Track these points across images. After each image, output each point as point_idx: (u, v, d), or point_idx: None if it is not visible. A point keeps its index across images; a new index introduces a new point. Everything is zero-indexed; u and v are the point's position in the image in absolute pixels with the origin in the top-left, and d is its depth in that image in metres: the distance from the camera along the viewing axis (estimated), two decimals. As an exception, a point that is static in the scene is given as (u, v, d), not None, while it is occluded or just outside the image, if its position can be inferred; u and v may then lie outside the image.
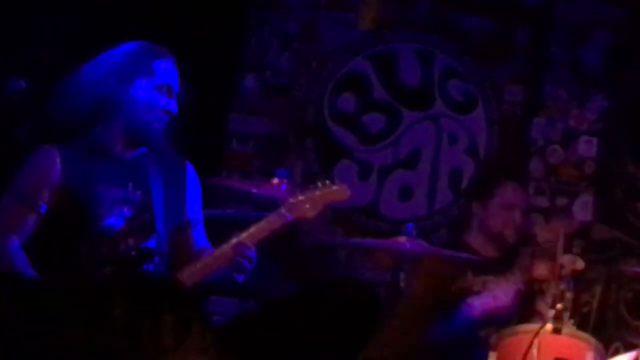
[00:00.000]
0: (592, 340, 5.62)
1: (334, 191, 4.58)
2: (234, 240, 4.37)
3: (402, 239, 5.38)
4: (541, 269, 6.61)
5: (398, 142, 6.91)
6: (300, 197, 4.53)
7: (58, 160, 4.18)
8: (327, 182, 4.67)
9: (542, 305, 5.96)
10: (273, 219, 4.45)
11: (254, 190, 5.33)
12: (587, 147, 6.93)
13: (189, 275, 4.26)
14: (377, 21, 6.94)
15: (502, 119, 6.99)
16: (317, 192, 4.55)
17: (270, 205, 5.29)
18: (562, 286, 5.83)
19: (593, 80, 7.01)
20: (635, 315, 6.77)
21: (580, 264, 6.08)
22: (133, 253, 4.28)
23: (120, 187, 4.29)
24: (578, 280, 6.18)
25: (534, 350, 5.33)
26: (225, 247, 4.34)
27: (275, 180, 5.11)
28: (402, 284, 5.43)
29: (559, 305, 5.52)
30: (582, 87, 7.03)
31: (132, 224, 4.29)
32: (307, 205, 4.52)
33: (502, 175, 6.54)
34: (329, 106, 6.88)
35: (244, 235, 4.36)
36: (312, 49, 6.89)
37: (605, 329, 6.70)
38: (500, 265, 6.11)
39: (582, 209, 6.91)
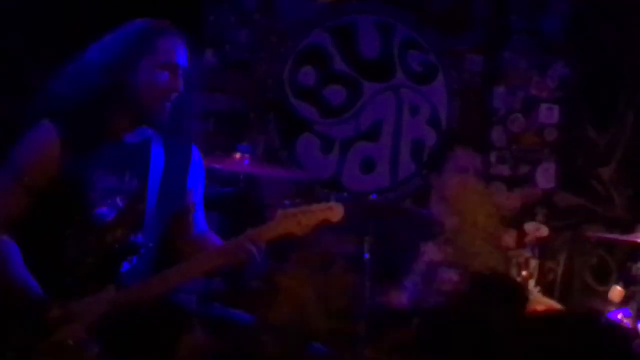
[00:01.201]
0: (558, 306, 5.86)
1: (326, 208, 4.21)
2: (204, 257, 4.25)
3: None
4: (507, 238, 6.75)
5: (359, 115, 6.92)
6: (292, 212, 4.22)
7: (57, 139, 4.02)
8: (331, 202, 4.33)
9: (512, 274, 6.06)
10: (263, 231, 4.19)
11: (217, 166, 5.34)
12: (548, 114, 7.00)
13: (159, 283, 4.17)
14: None
15: (462, 89, 7.02)
16: (310, 208, 4.20)
17: (233, 180, 5.85)
18: (528, 254, 6.12)
19: (553, 48, 7.07)
20: (600, 281, 6.85)
21: (544, 232, 6.29)
22: (117, 246, 4.15)
23: (116, 176, 4.14)
24: (543, 248, 6.37)
25: None
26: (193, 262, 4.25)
27: (238, 156, 5.42)
28: (367, 254, 5.32)
29: (524, 273, 5.75)
30: (542, 55, 7.08)
31: (123, 215, 4.17)
32: (301, 220, 4.19)
33: (456, 143, 6.89)
34: (290, 80, 6.89)
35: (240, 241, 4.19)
36: (270, 23, 6.89)
37: (571, 296, 6.82)
38: None
39: (545, 176, 6.98)
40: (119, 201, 4.12)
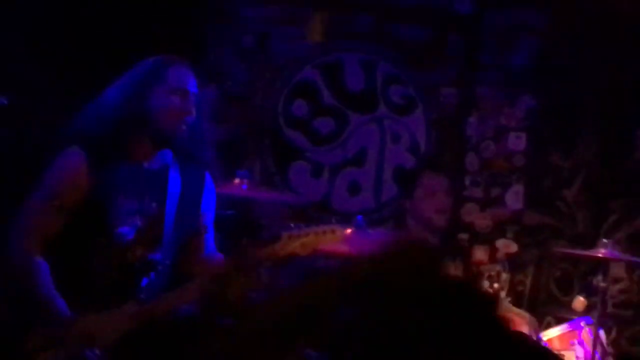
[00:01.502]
0: (527, 315, 6.00)
1: (330, 232, 4.42)
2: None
3: (349, 231, 5.41)
4: (479, 254, 6.92)
5: (346, 143, 7.05)
6: (297, 233, 4.37)
7: (85, 163, 4.27)
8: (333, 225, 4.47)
9: (481, 286, 6.02)
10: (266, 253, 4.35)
11: (218, 191, 5.29)
12: (516, 142, 7.16)
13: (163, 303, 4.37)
14: (324, 34, 7.01)
15: (439, 119, 7.16)
16: (315, 230, 4.40)
17: (233, 204, 5.93)
18: (498, 268, 6.39)
19: (520, 82, 7.23)
20: (564, 291, 7.09)
21: (513, 248, 6.71)
22: (137, 263, 4.35)
23: (136, 199, 4.40)
24: (512, 262, 6.73)
25: None
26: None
27: (237, 181, 5.50)
28: (355, 270, 5.68)
29: (495, 285, 5.97)
30: (510, 88, 7.22)
31: (143, 234, 4.39)
32: (307, 242, 4.35)
33: (427, 167, 6.76)
34: (283, 112, 6.99)
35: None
36: (266, 61, 6.96)
37: (538, 305, 7.03)
38: (445, 252, 6.26)
39: (514, 198, 7.17)
40: (138, 222, 4.37)
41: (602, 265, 6.06)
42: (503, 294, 6.34)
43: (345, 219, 6.14)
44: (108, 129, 4.34)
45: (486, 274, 6.43)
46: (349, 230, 4.49)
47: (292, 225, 4.44)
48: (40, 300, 4.18)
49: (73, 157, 4.29)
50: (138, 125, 4.36)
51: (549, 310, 6.95)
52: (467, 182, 7.19)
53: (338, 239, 4.40)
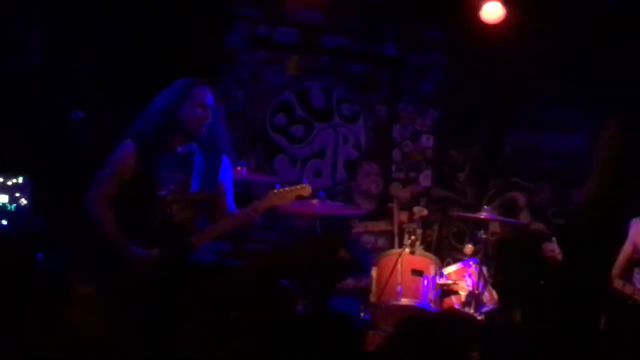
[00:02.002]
0: (434, 257, 6.04)
1: (301, 187, 4.64)
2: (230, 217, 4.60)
3: (315, 201, 5.50)
4: (402, 216, 6.98)
5: (312, 143, 7.06)
6: (279, 190, 4.60)
7: (134, 151, 4.42)
8: (302, 182, 4.70)
9: (405, 238, 6.03)
10: (260, 203, 4.55)
11: None
12: (426, 141, 7.27)
13: (199, 237, 4.49)
14: (297, 69, 6.95)
15: (374, 126, 7.18)
16: (290, 188, 4.62)
17: (238, 183, 5.47)
18: (415, 226, 6.17)
19: (429, 101, 7.27)
20: (458, 241, 7.16)
21: (425, 212, 6.47)
22: (172, 214, 4.42)
23: (171, 172, 4.48)
24: (424, 222, 6.47)
25: (399, 266, 5.69)
26: (223, 221, 4.57)
27: (238, 168, 5.52)
28: (318, 228, 5.58)
29: (412, 237, 5.87)
30: (422, 105, 7.25)
31: (176, 196, 4.46)
32: (284, 195, 4.58)
33: (364, 159, 6.99)
34: (269, 122, 6.94)
35: (237, 215, 4.59)
36: (257, 88, 6.85)
37: (441, 251, 7.06)
38: (375, 215, 6.49)
39: (425, 179, 7.29)
40: (173, 187, 4.44)
41: (483, 223, 6.09)
42: (418, 243, 6.14)
43: (313, 193, 5.95)
44: (152, 128, 4.46)
45: (406, 230, 6.21)
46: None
47: (277, 185, 4.65)
48: (109, 237, 4.35)
49: (126, 147, 4.43)
50: (173, 126, 4.48)
51: (448, 254, 7.03)
52: (393, 168, 7.21)
53: (307, 192, 4.62)
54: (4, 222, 5.16)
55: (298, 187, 4.65)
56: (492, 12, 6.44)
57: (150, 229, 4.44)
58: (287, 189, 4.62)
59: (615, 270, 5.41)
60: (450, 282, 5.92)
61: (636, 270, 5.42)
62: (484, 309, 5.86)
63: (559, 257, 5.41)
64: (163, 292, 4.22)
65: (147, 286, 4.21)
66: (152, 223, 4.45)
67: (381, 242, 6.37)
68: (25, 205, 5.35)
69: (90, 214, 4.42)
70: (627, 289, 5.26)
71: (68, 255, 5.01)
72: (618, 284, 5.31)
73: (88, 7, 6.24)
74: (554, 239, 5.51)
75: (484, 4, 6.44)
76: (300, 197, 4.66)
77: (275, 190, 4.59)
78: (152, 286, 4.21)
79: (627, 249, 5.46)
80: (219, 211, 4.66)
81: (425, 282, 5.75)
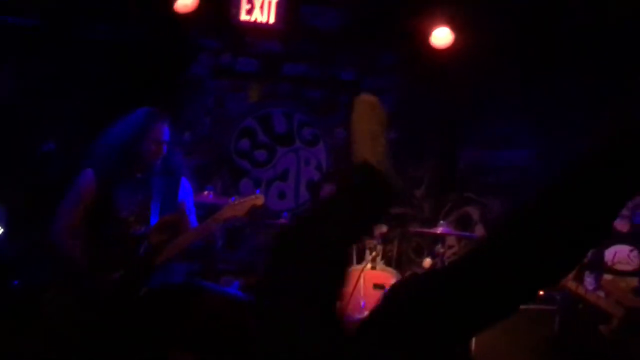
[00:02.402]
0: (394, 271, 6.13)
1: (254, 197, 4.63)
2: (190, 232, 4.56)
3: (282, 221, 5.65)
4: None
5: (275, 166, 7.06)
6: (234, 201, 4.63)
7: (94, 178, 4.39)
8: (256, 193, 4.70)
9: (366, 254, 6.14)
10: (217, 216, 4.53)
11: (194, 199, 5.30)
12: None
13: (162, 255, 4.43)
14: (259, 97, 6.99)
15: (334, 149, 7.18)
16: (244, 199, 4.64)
17: (205, 207, 5.49)
18: (375, 242, 6.29)
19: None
20: (417, 255, 7.24)
21: (384, 228, 6.61)
22: (135, 235, 4.42)
23: (132, 194, 4.50)
24: (384, 238, 6.65)
25: (361, 281, 5.79)
26: (184, 236, 4.50)
27: (206, 192, 5.60)
28: None
29: (373, 253, 5.99)
30: None
31: (137, 217, 4.49)
32: (238, 206, 4.58)
33: (325, 181, 6.99)
34: (234, 147, 6.95)
35: (196, 228, 4.59)
36: (222, 114, 6.86)
37: (402, 265, 7.09)
38: None
39: None
40: (135, 208, 4.46)
41: (440, 238, 6.22)
42: (378, 258, 6.29)
43: (276, 215, 6.16)
44: (110, 160, 4.43)
45: (368, 246, 6.33)
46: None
47: (232, 198, 4.68)
48: (75, 266, 4.32)
49: (86, 176, 4.41)
50: (131, 158, 4.45)
51: (408, 268, 7.03)
52: None
53: (260, 201, 4.61)
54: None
55: (252, 197, 4.68)
56: (442, 37, 6.52)
57: (114, 250, 4.41)
58: (241, 200, 4.64)
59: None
60: None
61: (587, 273, 5.45)
62: None
63: None
64: (128, 315, 4.20)
65: (113, 309, 4.20)
66: (114, 244, 4.43)
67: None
68: (1, 233, 5.33)
69: (55, 246, 4.40)
70: (580, 290, 5.23)
71: (42, 282, 4.87)
72: (572, 285, 5.27)
73: (58, 40, 6.22)
74: None
75: (434, 30, 6.49)
76: (255, 207, 4.67)
77: (231, 202, 4.62)
78: (119, 309, 4.19)
79: None
80: (182, 230, 4.64)
81: None
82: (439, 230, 6.11)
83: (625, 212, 5.39)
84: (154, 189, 4.61)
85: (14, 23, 6.08)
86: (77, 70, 6.26)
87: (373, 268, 5.90)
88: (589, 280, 5.45)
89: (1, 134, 5.97)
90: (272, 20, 6.26)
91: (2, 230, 5.34)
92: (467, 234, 7.22)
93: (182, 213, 4.68)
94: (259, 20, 6.26)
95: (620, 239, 5.44)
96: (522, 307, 6.45)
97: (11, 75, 6.18)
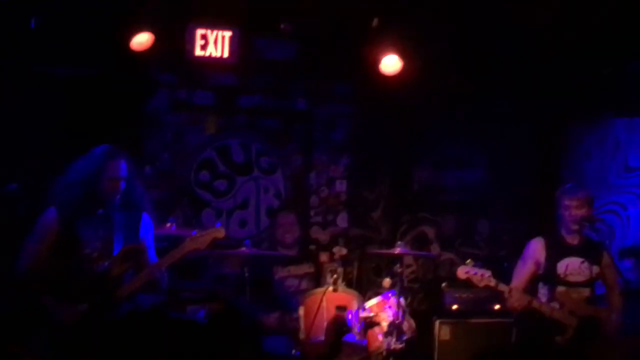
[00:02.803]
0: (355, 292, 6.09)
1: (215, 230, 4.64)
2: (153, 264, 4.58)
3: (243, 249, 5.53)
4: (323, 257, 6.97)
5: (235, 195, 7.01)
6: (195, 235, 4.62)
7: (56, 216, 4.42)
8: (216, 226, 4.72)
9: (327, 278, 6.03)
10: (179, 249, 4.57)
11: (157, 231, 5.23)
12: (340, 186, 7.31)
13: (125, 289, 4.47)
14: (216, 129, 6.93)
15: (292, 176, 7.17)
16: (205, 232, 4.64)
17: (168, 239, 5.42)
18: (336, 265, 6.40)
19: (340, 149, 7.31)
20: (377, 276, 7.17)
21: (344, 251, 6.74)
22: (98, 269, 4.43)
23: (95, 231, 4.50)
24: (344, 261, 6.73)
25: (324, 303, 5.73)
26: (146, 270, 4.53)
27: (168, 224, 5.53)
28: (246, 274, 5.48)
29: (335, 276, 5.91)
30: (334, 153, 7.28)
31: (101, 252, 4.48)
32: (200, 240, 4.58)
33: (281, 209, 6.94)
34: (194, 179, 6.88)
35: (159, 261, 4.58)
36: (181, 148, 6.79)
37: (362, 286, 7.00)
38: (302, 259, 6.34)
39: (342, 220, 7.33)
40: (98, 244, 4.47)
41: (398, 258, 6.10)
42: (340, 280, 6.14)
43: (238, 243, 5.94)
44: (71, 198, 4.47)
45: (328, 269, 6.33)
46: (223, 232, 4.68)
47: (194, 232, 4.65)
48: (41, 301, 4.34)
49: (49, 214, 4.44)
50: (91, 195, 4.48)
51: (369, 288, 6.97)
52: (312, 213, 7.20)
53: (221, 234, 4.63)
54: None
55: (213, 230, 4.68)
56: (391, 64, 6.52)
57: (78, 285, 4.40)
58: (203, 233, 4.65)
59: (521, 285, 5.46)
60: (372, 314, 5.91)
61: (540, 285, 5.52)
62: (404, 337, 5.87)
63: (475, 277, 5.35)
64: (97, 344, 4.22)
65: (81, 339, 4.22)
66: (79, 280, 4.41)
67: (304, 283, 6.23)
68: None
69: (21, 283, 4.44)
70: (535, 304, 5.32)
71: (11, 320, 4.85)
72: (526, 298, 5.35)
73: (17, 77, 6.14)
74: (469, 260, 5.53)
75: (383, 57, 6.51)
76: (216, 239, 4.67)
77: (192, 236, 4.62)
78: (87, 338, 4.22)
79: (530, 266, 5.52)
80: (142, 266, 4.62)
81: (350, 316, 5.76)
82: (397, 250, 6.09)
83: (575, 226, 5.49)
84: (116, 225, 4.58)
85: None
86: (37, 109, 6.21)
87: (335, 290, 5.84)
88: (542, 292, 5.51)
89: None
90: (226, 54, 6.19)
91: None
92: (424, 253, 7.35)
93: (142, 249, 4.67)
94: (213, 54, 6.19)
95: (571, 251, 5.54)
96: (480, 320, 6.71)
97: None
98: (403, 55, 6.50)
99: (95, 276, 4.45)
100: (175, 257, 4.58)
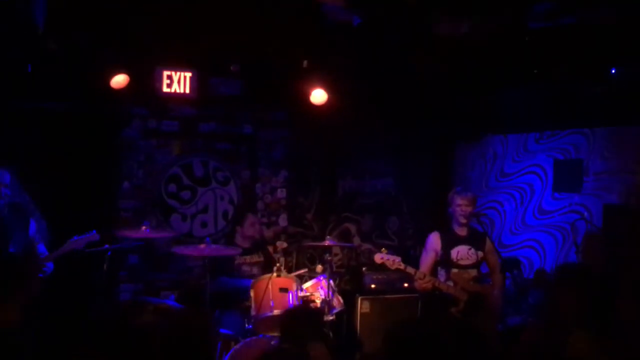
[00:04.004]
0: (295, 277, 5.90)
1: (90, 236, 4.72)
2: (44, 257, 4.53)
3: (203, 245, 5.45)
4: (270, 248, 6.82)
5: (197, 203, 6.94)
6: (75, 239, 4.65)
7: None
8: (92, 233, 4.74)
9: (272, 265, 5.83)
10: (62, 248, 4.59)
11: (133, 235, 5.56)
12: (281, 193, 7.30)
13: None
14: (181, 150, 6.72)
15: (242, 186, 7.11)
16: (81, 238, 4.64)
17: (141, 240, 5.90)
18: (278, 255, 6.47)
19: (279, 164, 7.28)
20: (311, 263, 7.23)
21: (285, 245, 6.91)
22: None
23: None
24: (285, 252, 6.86)
25: (270, 286, 5.57)
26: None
27: (143, 227, 5.49)
28: (206, 265, 5.36)
29: (277, 264, 5.85)
30: (275, 168, 7.25)
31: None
32: (78, 242, 4.60)
33: (246, 211, 6.66)
34: (164, 190, 6.79)
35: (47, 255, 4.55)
36: (152, 166, 6.70)
37: (296, 272, 6.65)
38: (253, 251, 6.23)
39: (282, 220, 7.32)
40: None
41: (328, 249, 6.15)
42: (282, 268, 5.97)
43: (200, 240, 5.94)
44: None
45: (272, 259, 6.36)
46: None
47: (74, 237, 4.68)
48: None
49: None
50: None
51: (305, 273, 6.69)
52: (259, 215, 7.09)
53: (95, 238, 4.69)
54: None
55: (89, 235, 4.74)
56: (319, 96, 6.56)
57: None
58: (80, 238, 4.69)
59: (427, 270, 5.51)
60: (308, 294, 5.95)
61: (439, 269, 5.60)
62: (334, 311, 5.93)
63: (388, 262, 5.40)
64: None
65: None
66: None
67: (255, 270, 6.19)
68: None
69: None
70: (436, 283, 5.41)
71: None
72: (429, 279, 5.44)
73: (15, 112, 5.97)
74: (383, 249, 5.57)
75: (312, 91, 6.55)
76: (91, 241, 4.75)
77: (73, 240, 4.68)
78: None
79: (431, 255, 5.57)
80: (35, 257, 4.60)
81: (290, 296, 5.73)
82: (327, 242, 6.16)
83: (464, 220, 5.57)
84: (9, 228, 4.57)
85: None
86: (31, 138, 6.03)
87: (278, 276, 5.75)
88: (441, 273, 5.61)
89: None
90: (187, 90, 6.20)
91: None
92: (348, 244, 7.35)
93: (34, 245, 4.68)
94: (177, 91, 6.18)
95: (461, 241, 5.62)
96: (393, 296, 6.77)
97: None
98: (328, 89, 6.52)
99: None
100: (59, 254, 4.57)
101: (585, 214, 6.46)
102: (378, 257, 5.46)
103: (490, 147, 7.49)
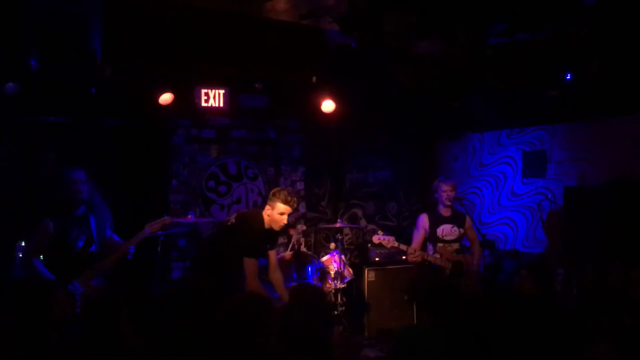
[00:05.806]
0: (312, 253, 6.20)
1: (163, 220, 4.63)
2: (125, 243, 4.44)
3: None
4: (292, 231, 6.54)
5: (232, 195, 6.84)
6: (150, 223, 4.61)
7: (51, 224, 4.26)
8: (164, 216, 4.63)
9: (293, 243, 6.05)
10: (139, 234, 4.53)
11: (182, 220, 5.55)
12: (300, 185, 7.18)
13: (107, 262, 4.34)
14: (218, 153, 6.74)
15: (268, 181, 6.99)
16: (155, 222, 4.63)
17: (189, 225, 5.83)
18: (299, 236, 6.31)
19: (298, 162, 7.15)
20: (327, 241, 7.03)
21: (304, 227, 6.71)
22: (84, 256, 4.35)
23: (77, 228, 4.37)
24: (305, 233, 6.67)
25: (293, 260, 5.84)
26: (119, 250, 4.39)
27: (189, 216, 5.48)
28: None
29: (297, 242, 5.94)
30: (294, 165, 7.13)
31: (85, 242, 4.40)
32: (153, 227, 4.60)
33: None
34: (205, 185, 6.70)
35: (129, 241, 4.48)
36: (195, 166, 6.61)
37: (317, 248, 7.00)
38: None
39: (302, 208, 7.11)
40: (83, 238, 4.37)
41: (339, 230, 6.42)
42: (302, 246, 6.24)
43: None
44: (60, 206, 4.34)
45: (294, 238, 6.29)
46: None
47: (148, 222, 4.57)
48: (44, 275, 4.12)
49: (45, 223, 4.25)
50: (67, 200, 4.32)
51: (321, 250, 6.90)
52: None
53: (168, 221, 4.63)
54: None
55: (161, 219, 4.64)
56: (328, 106, 6.41)
57: (72, 268, 4.27)
58: (156, 221, 4.59)
59: (417, 246, 5.52)
60: (324, 266, 5.99)
61: (427, 244, 5.61)
62: (346, 280, 5.99)
63: (383, 241, 5.36)
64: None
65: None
66: (71, 264, 4.28)
67: (281, 248, 6.24)
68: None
69: (24, 264, 4.29)
70: (426, 256, 5.46)
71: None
72: (421, 252, 5.49)
73: (76, 129, 5.86)
74: (379, 231, 5.55)
75: (323, 101, 6.46)
76: (165, 224, 4.64)
77: (147, 224, 4.59)
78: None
79: (421, 232, 5.56)
80: (112, 247, 4.54)
81: (310, 268, 5.84)
82: (338, 224, 6.23)
83: (448, 203, 5.57)
84: (91, 221, 4.45)
85: (50, 119, 5.76)
86: (94, 150, 5.98)
87: (299, 252, 5.93)
88: (429, 247, 5.63)
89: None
90: (221, 104, 6.03)
91: None
92: (356, 225, 7.33)
93: (112, 241, 4.56)
94: (213, 105, 6.04)
95: (445, 220, 5.65)
96: (393, 267, 6.67)
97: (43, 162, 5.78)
98: (336, 100, 6.40)
99: (84, 260, 4.35)
100: (138, 239, 4.48)
101: (549, 195, 6.44)
102: (375, 238, 5.45)
103: (470, 143, 7.45)
